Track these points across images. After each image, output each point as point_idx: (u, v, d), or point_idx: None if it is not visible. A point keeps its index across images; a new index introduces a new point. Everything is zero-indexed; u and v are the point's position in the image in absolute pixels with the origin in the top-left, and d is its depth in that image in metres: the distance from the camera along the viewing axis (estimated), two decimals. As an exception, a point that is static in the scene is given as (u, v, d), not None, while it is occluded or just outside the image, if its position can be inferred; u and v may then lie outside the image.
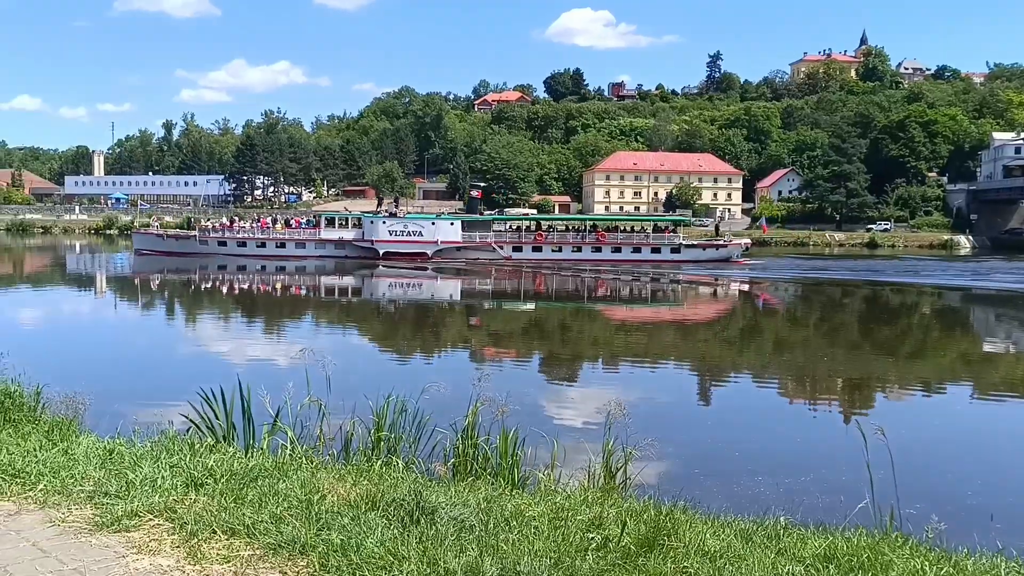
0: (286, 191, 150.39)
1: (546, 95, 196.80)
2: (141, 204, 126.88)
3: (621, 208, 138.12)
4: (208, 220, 73.15)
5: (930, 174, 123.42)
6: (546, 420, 14.06)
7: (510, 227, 66.01)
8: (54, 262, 64.37)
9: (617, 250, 62.43)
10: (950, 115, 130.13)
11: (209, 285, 46.29)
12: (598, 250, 62.31)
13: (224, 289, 44.49)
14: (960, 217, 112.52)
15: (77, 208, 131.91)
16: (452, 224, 63.34)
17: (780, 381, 20.66)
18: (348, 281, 49.78)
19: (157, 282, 45.33)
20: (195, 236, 63.84)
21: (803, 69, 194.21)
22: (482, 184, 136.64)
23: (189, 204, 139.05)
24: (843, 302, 42.27)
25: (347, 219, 65.72)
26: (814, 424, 16.01)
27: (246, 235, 63.66)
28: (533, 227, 66.24)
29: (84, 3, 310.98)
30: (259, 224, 66.37)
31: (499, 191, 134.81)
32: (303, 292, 44.35)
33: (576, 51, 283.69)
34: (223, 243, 62.63)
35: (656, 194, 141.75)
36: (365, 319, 32.92)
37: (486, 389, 9.21)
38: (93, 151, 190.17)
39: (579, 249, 62.56)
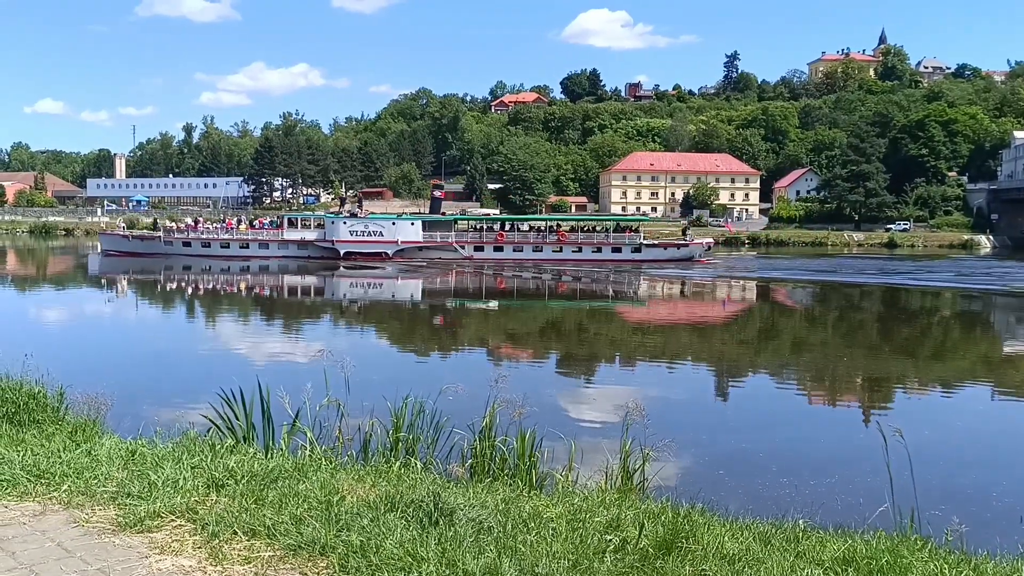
0: (304, 193, 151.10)
1: (563, 96, 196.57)
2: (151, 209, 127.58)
3: (638, 208, 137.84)
4: (174, 221, 74.08)
5: (950, 173, 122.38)
6: (563, 420, 14.05)
7: (472, 227, 66.33)
8: (76, 263, 65.07)
9: (578, 250, 62.87)
10: (970, 114, 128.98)
11: (174, 285, 46.67)
12: (559, 250, 62.79)
13: (190, 290, 44.74)
14: (981, 217, 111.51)
15: (99, 210, 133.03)
16: (412, 224, 63.88)
17: (795, 381, 20.57)
18: (311, 280, 50.32)
19: (124, 282, 46.22)
20: (159, 237, 64.83)
21: (821, 68, 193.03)
22: (498, 186, 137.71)
23: (208, 206, 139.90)
24: (794, 303, 42.13)
25: (310, 220, 66.48)
26: (832, 425, 15.93)
27: (210, 236, 64.47)
28: (497, 227, 66.71)
29: (106, 8, 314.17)
30: (225, 225, 67.34)
31: (516, 192, 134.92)
32: (266, 292, 44.60)
33: (593, 52, 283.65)
34: (187, 243, 63.32)
35: (673, 195, 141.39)
36: (381, 320, 33.05)
37: (503, 390, 9.23)
38: (115, 154, 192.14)
39: (540, 249, 62.90)
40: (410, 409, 9.02)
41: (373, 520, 5.27)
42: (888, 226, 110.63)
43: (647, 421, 8.87)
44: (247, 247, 62.79)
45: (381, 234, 62.08)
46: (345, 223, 63.21)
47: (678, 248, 64.73)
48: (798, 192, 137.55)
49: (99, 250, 66.42)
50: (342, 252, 60.99)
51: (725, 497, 8.71)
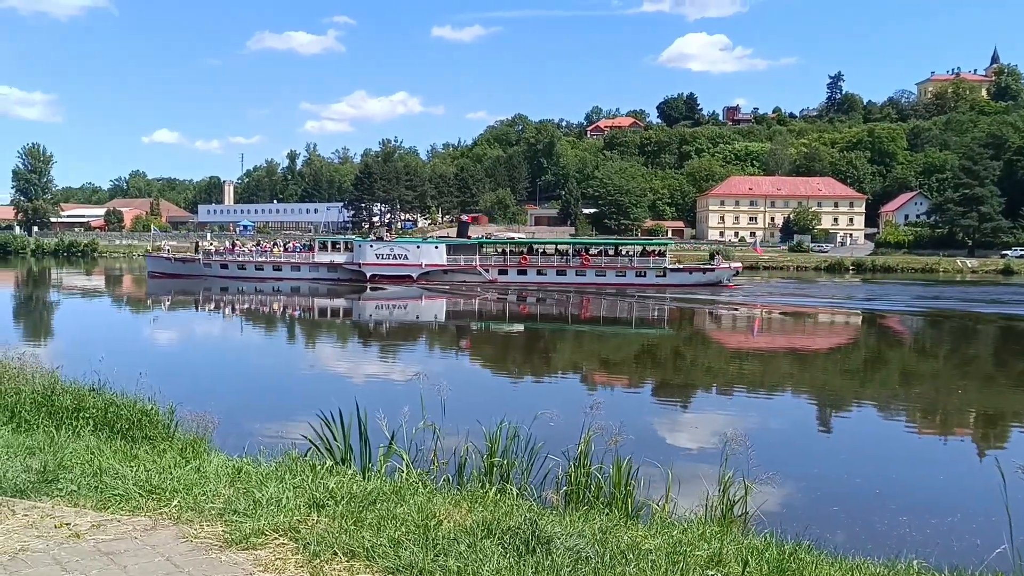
0: (402, 218, 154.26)
1: (659, 120, 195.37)
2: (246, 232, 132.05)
3: (736, 234, 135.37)
4: (212, 244, 76.98)
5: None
6: (658, 448, 13.81)
7: (496, 250, 66.29)
8: (134, 284, 68.66)
9: (602, 274, 62.63)
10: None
11: (212, 305, 48.81)
12: (582, 274, 62.68)
13: (229, 309, 46.59)
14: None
15: (208, 235, 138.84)
16: (437, 248, 65.04)
17: (902, 412, 19.66)
18: (340, 303, 51.40)
19: (168, 302, 48.26)
20: (199, 259, 67.04)
21: (930, 89, 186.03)
22: (593, 210, 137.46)
23: (311, 231, 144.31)
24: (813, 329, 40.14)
25: (340, 243, 67.98)
26: (946, 460, 15.17)
27: (245, 258, 66.67)
28: (525, 251, 66.60)
29: (220, 42, 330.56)
30: (261, 248, 69.76)
31: (611, 216, 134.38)
32: (297, 313, 45.74)
33: (690, 76, 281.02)
34: (224, 266, 65.75)
35: (772, 219, 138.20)
36: (477, 343, 33.28)
37: (597, 416, 9.16)
38: (224, 181, 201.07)
39: (563, 273, 62.93)
40: (504, 434, 9.02)
41: (470, 546, 5.26)
42: (1004, 252, 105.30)
43: (748, 451, 8.64)
44: (280, 269, 65.07)
45: (406, 257, 63.47)
46: (372, 247, 64.98)
47: (704, 272, 63.72)
48: (906, 216, 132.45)
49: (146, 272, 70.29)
50: (368, 275, 62.66)
51: (832, 533, 8.37)
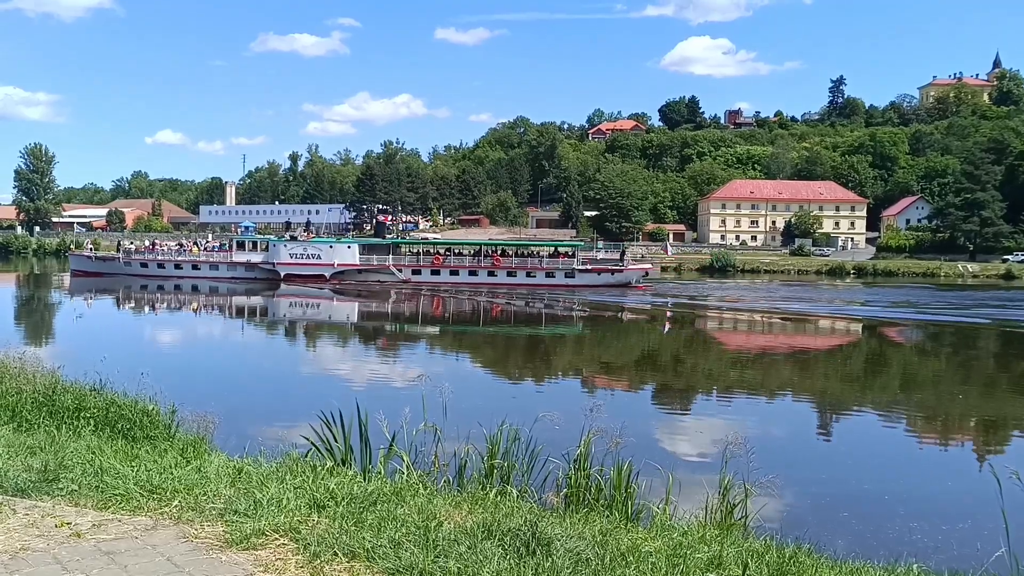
0: (404, 219, 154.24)
1: (661, 124, 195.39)
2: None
3: (737, 237, 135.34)
4: (132, 243, 78.29)
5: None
6: (659, 451, 13.83)
7: (411, 250, 67.33)
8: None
9: (512, 274, 63.80)
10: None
11: (132, 303, 49.68)
12: (493, 274, 63.69)
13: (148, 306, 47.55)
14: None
15: (210, 235, 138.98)
16: (349, 247, 66.27)
17: (898, 417, 19.65)
18: (256, 301, 51.88)
19: (90, 300, 49.11)
20: (119, 258, 68.06)
21: (932, 93, 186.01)
22: (594, 213, 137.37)
23: (313, 232, 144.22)
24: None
25: (256, 242, 68.82)
26: (941, 465, 15.15)
27: (163, 257, 67.87)
28: (441, 251, 67.58)
29: (225, 44, 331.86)
30: (185, 248, 70.96)
31: (613, 219, 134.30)
32: (217, 311, 46.37)
33: (692, 79, 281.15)
34: (144, 264, 66.94)
35: (774, 223, 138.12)
36: (476, 346, 33.28)
37: (597, 419, 9.16)
38: (226, 182, 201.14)
39: (475, 273, 64.05)
40: (505, 436, 9.01)
41: (470, 547, 5.26)
42: (1005, 257, 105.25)
43: (749, 455, 8.64)
44: (198, 268, 66.22)
45: (319, 257, 64.55)
46: (286, 247, 65.93)
47: (612, 274, 64.51)
48: (908, 221, 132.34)
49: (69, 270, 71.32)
50: (282, 274, 63.86)
51: (831, 538, 8.36)
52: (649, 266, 71.88)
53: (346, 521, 5.77)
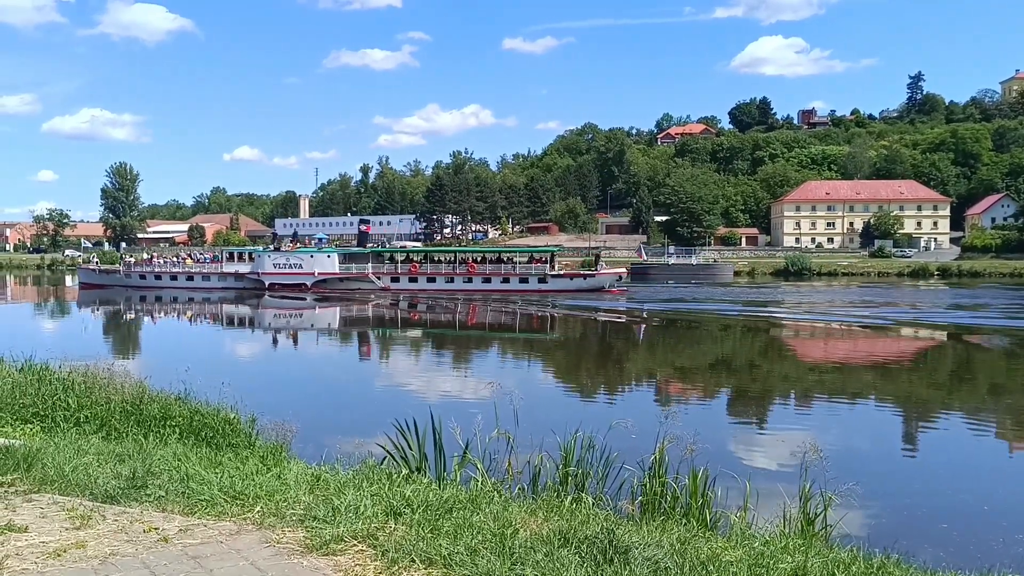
0: (473, 228, 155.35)
1: (731, 126, 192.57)
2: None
3: (813, 239, 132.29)
4: (132, 256, 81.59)
5: None
6: (735, 458, 13.58)
7: (389, 258, 68.24)
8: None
9: (487, 280, 65.01)
10: None
11: (132, 315, 50.76)
12: (469, 280, 65.08)
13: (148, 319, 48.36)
14: None
15: (281, 246, 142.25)
16: (329, 257, 67.98)
17: (979, 426, 18.88)
18: (244, 310, 53.03)
19: (98, 311, 51.12)
20: (120, 270, 71.41)
21: (1015, 87, 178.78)
22: (665, 218, 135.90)
23: (384, 242, 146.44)
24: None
25: (244, 254, 71.32)
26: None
27: (160, 269, 70.56)
28: (418, 259, 68.41)
29: (298, 61, 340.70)
30: (181, 260, 73.30)
31: (683, 224, 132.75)
32: (208, 321, 46.87)
33: (763, 80, 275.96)
34: (143, 276, 69.70)
35: (851, 224, 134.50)
36: (548, 352, 33.23)
37: (672, 426, 9.05)
38: (300, 195, 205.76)
39: (451, 280, 65.52)
40: (579, 444, 8.97)
41: (547, 555, 5.24)
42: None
43: (826, 463, 8.42)
44: (192, 279, 68.66)
45: (300, 266, 66.45)
46: (269, 257, 67.93)
47: (585, 279, 65.07)
48: (993, 219, 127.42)
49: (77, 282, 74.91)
50: (267, 284, 65.92)
51: (924, 550, 8.07)
52: (623, 270, 72.07)
53: (422, 528, 5.81)
